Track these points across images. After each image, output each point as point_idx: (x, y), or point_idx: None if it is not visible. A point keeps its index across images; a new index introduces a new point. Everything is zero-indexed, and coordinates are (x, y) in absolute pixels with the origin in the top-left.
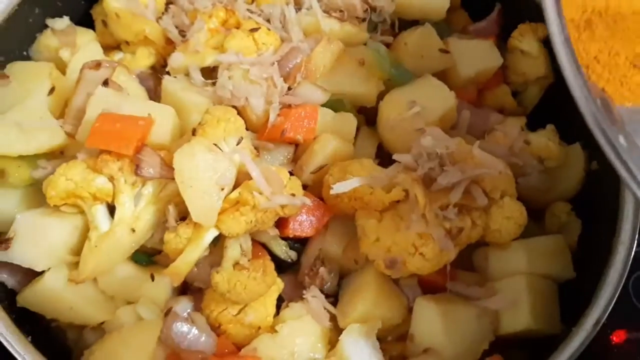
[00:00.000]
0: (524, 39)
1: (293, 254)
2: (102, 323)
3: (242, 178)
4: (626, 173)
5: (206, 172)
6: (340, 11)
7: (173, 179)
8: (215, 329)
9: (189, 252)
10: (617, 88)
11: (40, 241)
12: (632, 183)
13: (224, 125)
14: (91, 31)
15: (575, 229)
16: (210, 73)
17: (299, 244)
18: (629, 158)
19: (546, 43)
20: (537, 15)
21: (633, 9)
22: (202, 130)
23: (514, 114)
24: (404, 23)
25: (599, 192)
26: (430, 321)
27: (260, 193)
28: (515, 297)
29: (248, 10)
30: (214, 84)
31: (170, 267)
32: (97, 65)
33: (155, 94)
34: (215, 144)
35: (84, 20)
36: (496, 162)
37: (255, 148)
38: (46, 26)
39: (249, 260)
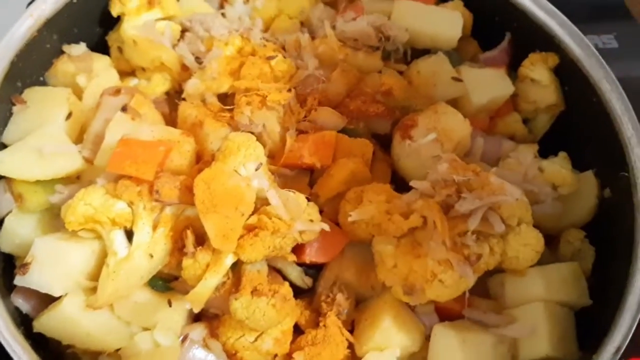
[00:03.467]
0: (535, 68)
1: (309, 280)
2: (119, 349)
3: (259, 203)
4: None
5: (227, 198)
6: (355, 40)
7: (192, 204)
8: (232, 356)
9: (209, 278)
10: None
11: (58, 266)
12: None
13: (244, 151)
14: (107, 57)
15: (589, 256)
16: (224, 99)
17: (314, 269)
18: None
19: (556, 72)
20: (547, 45)
21: None
22: (223, 156)
23: (524, 142)
24: (416, 52)
25: (612, 219)
26: (449, 349)
27: (279, 219)
28: (533, 325)
29: (263, 38)
30: (230, 110)
31: (191, 293)
32: (117, 91)
33: (170, 120)
34: (235, 170)
35: (99, 46)
36: (513, 189)
37: (272, 173)
38: (62, 52)
39: (266, 287)
